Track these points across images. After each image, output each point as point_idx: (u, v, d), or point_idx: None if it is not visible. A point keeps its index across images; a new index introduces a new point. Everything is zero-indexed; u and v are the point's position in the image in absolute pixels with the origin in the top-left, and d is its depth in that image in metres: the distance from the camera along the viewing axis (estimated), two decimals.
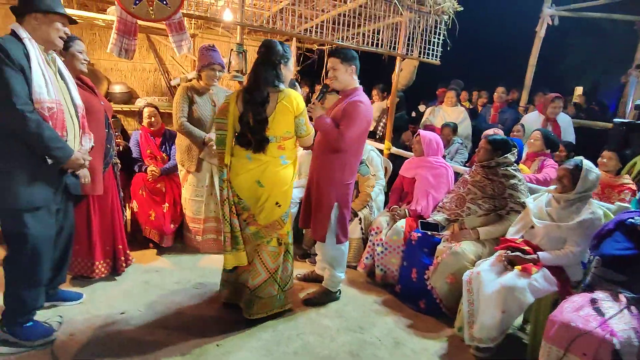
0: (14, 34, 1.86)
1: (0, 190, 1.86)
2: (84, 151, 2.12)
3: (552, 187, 2.50)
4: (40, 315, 2.16)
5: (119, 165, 2.88)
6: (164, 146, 3.55)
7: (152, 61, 6.00)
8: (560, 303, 1.97)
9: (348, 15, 4.07)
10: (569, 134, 4.15)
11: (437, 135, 3.28)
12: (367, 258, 3.14)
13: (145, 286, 2.74)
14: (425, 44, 4.30)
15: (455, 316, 2.50)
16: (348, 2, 3.85)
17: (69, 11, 4.05)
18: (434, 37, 4.29)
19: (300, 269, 3.22)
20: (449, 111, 4.81)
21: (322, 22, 4.20)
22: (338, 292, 2.81)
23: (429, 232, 2.79)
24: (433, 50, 4.33)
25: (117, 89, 5.24)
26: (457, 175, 3.32)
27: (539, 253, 2.28)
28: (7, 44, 1.77)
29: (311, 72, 7.17)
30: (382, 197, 3.66)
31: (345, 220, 2.61)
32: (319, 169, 2.54)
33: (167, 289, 2.72)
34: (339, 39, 4.44)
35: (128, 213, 3.31)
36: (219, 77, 3.17)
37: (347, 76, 2.49)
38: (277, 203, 2.29)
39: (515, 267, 2.24)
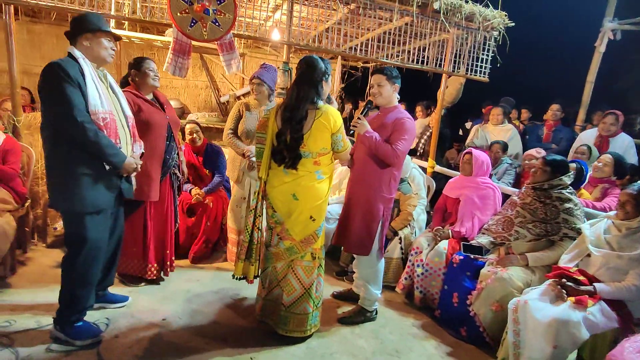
0: (70, 55, 2.06)
1: (67, 193, 2.03)
2: (136, 157, 2.29)
3: (612, 212, 2.31)
4: (89, 316, 2.29)
5: (178, 176, 2.99)
6: (207, 163, 3.67)
7: (204, 79, 6.34)
8: (621, 342, 1.78)
9: (393, 33, 4.07)
10: (630, 156, 3.82)
11: (487, 156, 3.15)
12: (405, 279, 3.04)
13: (187, 294, 2.83)
14: (473, 60, 4.20)
15: (499, 346, 2.35)
16: (394, 21, 3.85)
17: (132, 34, 4.41)
18: (483, 54, 4.18)
19: (337, 286, 3.18)
20: (495, 131, 4.58)
21: (368, 40, 4.24)
22: (374, 312, 2.74)
23: (472, 255, 2.66)
24: (481, 67, 4.22)
25: (170, 104, 5.56)
26: (504, 196, 3.16)
27: (596, 284, 2.10)
28: (65, 64, 1.97)
29: (355, 89, 7.23)
30: (424, 217, 3.56)
31: (384, 235, 2.59)
32: (364, 184, 2.52)
33: (206, 298, 2.80)
34: (384, 56, 4.44)
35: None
36: (260, 92, 3.14)
37: (391, 93, 2.52)
38: (311, 217, 2.29)
39: (568, 298, 2.07)
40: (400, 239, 3.19)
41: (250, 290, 2.92)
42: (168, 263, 2.95)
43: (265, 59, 6.68)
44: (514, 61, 4.60)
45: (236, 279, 2.46)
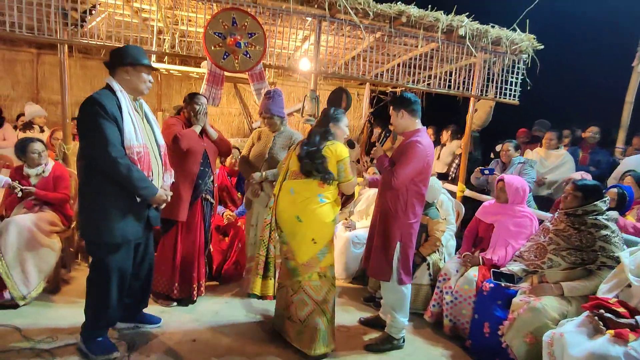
0: (108, 87, 2.14)
1: (96, 224, 2.11)
2: (166, 187, 2.37)
3: None
4: (122, 335, 2.42)
5: (211, 202, 3.08)
6: (239, 186, 3.82)
7: (237, 106, 6.64)
8: None
9: (420, 59, 4.13)
10: None
11: (523, 182, 3.05)
12: (434, 306, 2.97)
13: (216, 316, 2.89)
14: (502, 83, 4.17)
15: None
16: (419, 47, 3.92)
17: (171, 67, 4.72)
18: (512, 77, 4.15)
19: (365, 312, 3.15)
20: (551, 157, 4.35)
21: (394, 66, 4.32)
22: (401, 340, 2.68)
23: (503, 283, 2.57)
24: (511, 89, 4.17)
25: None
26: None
27: (638, 317, 1.97)
28: (103, 98, 2.04)
29: (385, 114, 7.28)
30: (453, 243, 3.49)
31: (408, 260, 2.56)
32: (382, 208, 2.56)
33: (235, 321, 2.85)
34: (411, 81, 4.49)
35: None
36: (272, 124, 3.15)
37: (400, 120, 2.57)
38: (313, 239, 2.40)
39: (607, 331, 1.96)
40: (428, 265, 3.14)
41: None
42: (195, 285, 3.00)
43: (295, 86, 6.93)
44: (546, 83, 4.51)
45: (254, 297, 2.60)
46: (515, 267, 2.65)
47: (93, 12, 3.45)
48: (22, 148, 3.01)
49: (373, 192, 3.84)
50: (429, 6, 3.62)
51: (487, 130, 5.43)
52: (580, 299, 2.35)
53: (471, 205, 4.03)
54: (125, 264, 2.25)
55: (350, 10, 3.42)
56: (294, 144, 2.87)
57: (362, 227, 3.76)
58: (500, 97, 4.19)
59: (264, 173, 3.05)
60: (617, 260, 2.26)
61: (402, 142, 2.59)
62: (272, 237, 2.53)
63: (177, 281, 2.93)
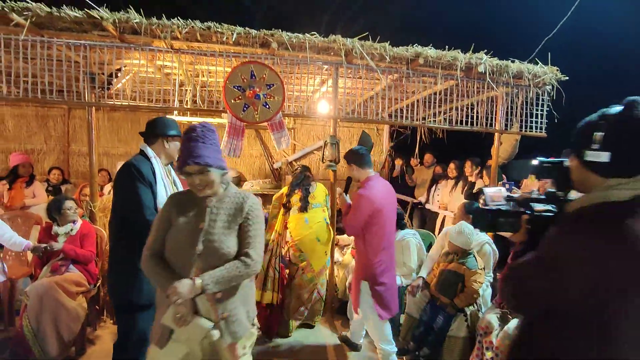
0: (142, 153, 2.22)
1: (126, 285, 2.13)
2: None
3: None
4: None
5: None
6: None
7: (258, 148, 6.71)
8: None
9: (439, 94, 4.08)
10: None
11: None
12: None
13: None
14: (527, 116, 4.05)
15: None
16: (438, 85, 3.88)
17: (192, 119, 4.84)
18: (537, 109, 4.03)
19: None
20: None
21: (413, 102, 4.28)
22: None
23: None
24: (536, 122, 4.05)
25: (230, 173, 5.89)
26: None
27: None
28: (139, 164, 2.13)
29: (405, 147, 7.24)
30: (489, 291, 3.30)
31: (382, 297, 2.73)
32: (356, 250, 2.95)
33: None
34: (431, 116, 4.42)
35: None
36: (205, 181, 1.73)
37: (354, 173, 2.87)
38: (325, 252, 3.51)
39: None
40: (465, 316, 2.94)
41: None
42: None
43: (314, 125, 6.99)
44: (574, 113, 4.36)
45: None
46: None
47: (119, 73, 3.60)
48: (57, 207, 3.07)
49: (397, 240, 3.71)
50: (446, 46, 3.60)
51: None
52: None
53: (501, 244, 3.83)
54: (150, 326, 2.21)
55: (366, 55, 3.44)
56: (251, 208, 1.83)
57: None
58: (525, 131, 4.06)
59: (198, 280, 1.61)
60: None
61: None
62: (271, 263, 3.38)
63: None
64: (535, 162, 1.41)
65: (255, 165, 6.83)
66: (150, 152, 2.24)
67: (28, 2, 2.91)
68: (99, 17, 2.99)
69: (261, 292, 3.28)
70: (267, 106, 3.43)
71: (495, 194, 1.46)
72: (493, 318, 2.76)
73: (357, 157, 2.83)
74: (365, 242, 2.74)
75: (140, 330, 2.16)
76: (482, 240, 3.24)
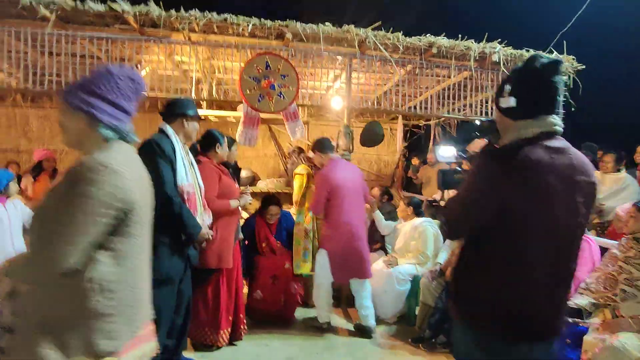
0: (162, 131, 2.27)
1: None
2: (206, 226, 2.41)
3: None
4: None
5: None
6: (278, 232, 3.67)
7: (272, 148, 6.78)
8: None
9: (453, 89, 4.09)
10: None
11: None
12: None
13: (257, 359, 2.77)
14: None
15: None
16: (452, 77, 3.89)
17: (209, 112, 4.94)
18: None
19: (414, 354, 2.94)
20: (608, 180, 3.98)
21: (427, 98, 4.29)
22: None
23: (570, 320, 2.31)
24: None
25: (243, 174, 5.93)
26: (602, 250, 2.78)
27: None
28: (161, 140, 2.19)
29: (419, 146, 7.23)
30: None
31: (334, 262, 3.19)
32: None
33: None
34: (445, 112, 4.42)
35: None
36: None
37: (316, 158, 3.30)
38: None
39: None
40: None
41: (320, 357, 2.79)
42: (242, 327, 2.98)
43: (328, 125, 7.03)
44: (592, 103, 4.30)
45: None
46: (582, 301, 2.38)
47: (138, 67, 3.72)
48: None
49: (409, 226, 3.69)
50: (459, 35, 3.61)
51: None
52: None
53: None
54: (168, 302, 2.24)
55: (380, 45, 3.47)
56: None
57: (406, 263, 3.58)
58: None
59: None
60: None
61: None
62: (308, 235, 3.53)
63: (222, 327, 2.85)
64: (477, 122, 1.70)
65: (270, 165, 6.89)
66: (170, 130, 2.28)
67: None
68: (120, 10, 3.11)
69: (302, 264, 3.44)
70: (282, 96, 3.49)
71: (444, 152, 1.71)
72: None
73: (317, 144, 3.28)
74: (326, 217, 3.21)
75: (157, 305, 2.18)
76: None
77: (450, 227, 1.43)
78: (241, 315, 2.96)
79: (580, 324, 2.30)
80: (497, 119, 1.40)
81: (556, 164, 1.22)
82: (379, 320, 3.45)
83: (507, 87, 1.32)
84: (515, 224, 1.24)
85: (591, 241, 2.71)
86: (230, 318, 2.90)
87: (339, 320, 3.53)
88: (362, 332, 3.22)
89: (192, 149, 2.83)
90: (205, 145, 2.81)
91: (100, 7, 3.10)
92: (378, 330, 3.33)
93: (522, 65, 1.32)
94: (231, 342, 2.93)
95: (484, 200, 1.27)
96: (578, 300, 2.41)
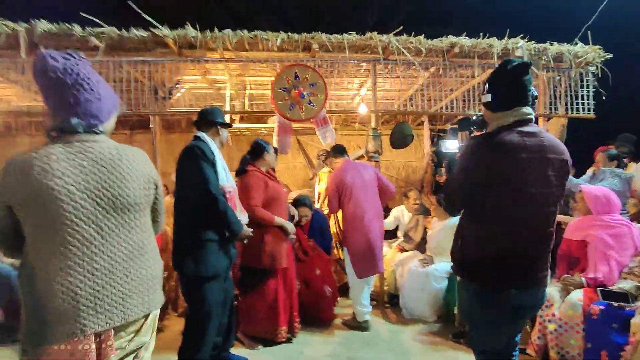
0: (198, 138, 2.42)
1: (194, 259, 2.28)
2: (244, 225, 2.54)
3: None
4: None
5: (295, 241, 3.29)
6: (311, 232, 3.81)
7: (301, 159, 6.96)
8: None
9: (477, 88, 4.13)
10: None
11: (605, 189, 2.82)
12: (539, 337, 2.67)
13: (299, 356, 2.86)
14: (572, 99, 3.99)
15: None
16: (476, 76, 3.94)
17: (241, 125, 5.19)
18: (582, 91, 3.96)
19: (455, 350, 2.94)
20: None
21: (452, 100, 4.35)
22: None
23: (616, 303, 2.27)
24: (583, 104, 3.96)
25: None
26: None
27: None
28: (202, 146, 2.34)
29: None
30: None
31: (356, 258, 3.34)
32: None
33: None
34: (473, 111, 4.44)
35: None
36: None
37: (332, 164, 3.70)
38: None
39: None
40: None
41: (362, 353, 2.84)
42: (296, 324, 3.11)
43: (354, 134, 7.17)
44: (624, 91, 4.21)
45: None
46: (627, 285, 2.35)
47: (177, 86, 4.01)
48: None
49: (443, 226, 3.71)
50: (480, 34, 3.68)
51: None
52: None
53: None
54: (218, 298, 2.38)
55: (403, 50, 3.59)
56: None
57: (442, 261, 3.60)
58: (572, 113, 3.98)
59: None
60: None
61: None
62: None
63: (281, 325, 2.98)
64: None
65: (300, 176, 7.06)
66: (206, 137, 2.44)
67: (103, 26, 3.37)
68: (161, 35, 3.39)
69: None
70: (312, 104, 3.65)
71: (449, 145, 2.09)
72: (553, 291, 2.68)
73: (332, 151, 3.65)
74: (343, 215, 3.45)
75: (209, 301, 2.32)
76: None
77: (448, 200, 1.78)
78: (295, 313, 3.09)
79: (627, 308, 2.26)
80: (483, 112, 1.71)
81: (527, 144, 1.52)
82: (419, 320, 3.48)
83: (486, 86, 1.65)
84: (496, 193, 1.54)
85: (632, 226, 2.67)
86: (287, 315, 3.03)
87: (377, 319, 3.57)
88: (356, 328, 3.36)
89: (243, 160, 3.05)
90: (254, 154, 3.02)
91: (143, 33, 3.39)
92: (418, 328, 3.35)
93: (497, 68, 1.64)
94: (288, 339, 3.05)
95: (473, 173, 1.57)
96: (623, 284, 2.38)
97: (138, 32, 3.41)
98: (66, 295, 1.18)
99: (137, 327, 1.33)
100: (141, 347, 1.36)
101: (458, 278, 1.77)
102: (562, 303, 2.58)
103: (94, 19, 3.38)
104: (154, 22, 3.38)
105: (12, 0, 5.02)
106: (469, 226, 1.66)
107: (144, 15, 3.37)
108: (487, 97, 1.62)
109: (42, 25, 3.25)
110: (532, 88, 1.59)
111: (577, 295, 2.53)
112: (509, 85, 1.57)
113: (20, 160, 1.19)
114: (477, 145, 1.59)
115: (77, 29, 3.29)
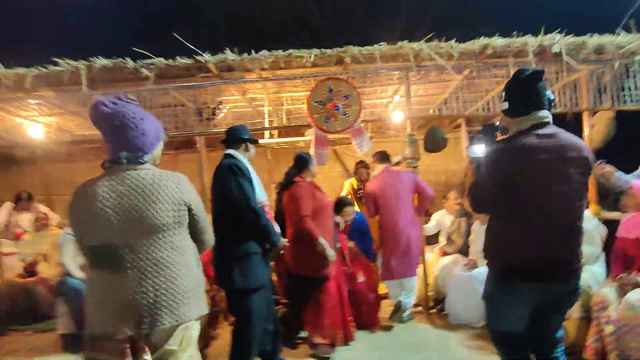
0: (230, 156, 2.53)
1: (240, 272, 2.38)
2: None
3: None
4: None
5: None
6: (350, 234, 3.91)
7: (338, 169, 7.06)
8: None
9: None
10: None
11: None
12: (596, 340, 2.57)
13: None
14: (618, 90, 3.82)
15: None
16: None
17: (280, 140, 5.38)
18: (628, 82, 3.79)
19: None
20: None
21: (487, 102, 4.30)
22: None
23: None
24: (630, 95, 3.79)
25: None
26: None
27: None
28: (237, 163, 2.45)
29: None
30: (602, 270, 3.08)
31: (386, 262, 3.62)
32: None
33: None
34: None
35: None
36: None
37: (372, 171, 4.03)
38: None
39: None
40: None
41: (409, 358, 2.86)
42: (349, 329, 3.19)
43: (390, 142, 7.18)
44: None
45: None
46: None
47: (219, 107, 4.25)
48: None
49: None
50: (515, 32, 3.62)
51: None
52: None
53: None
54: (263, 307, 2.49)
55: (435, 55, 3.61)
56: None
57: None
58: (619, 105, 3.81)
59: None
60: None
61: None
62: None
63: (338, 329, 3.10)
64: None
65: (337, 186, 7.15)
66: (237, 154, 2.56)
67: (152, 57, 3.67)
68: (203, 61, 3.64)
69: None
70: (346, 115, 3.76)
71: (476, 149, 2.06)
72: (609, 292, 2.59)
73: (374, 157, 3.88)
74: (378, 221, 3.71)
75: (255, 311, 2.43)
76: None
77: (474, 201, 1.88)
78: (349, 318, 3.18)
79: None
80: (503, 118, 1.87)
81: (546, 146, 1.65)
82: (466, 324, 3.43)
83: (503, 94, 1.82)
84: (520, 191, 1.67)
85: None
86: (344, 320, 3.14)
87: (423, 324, 3.56)
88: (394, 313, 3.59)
89: (289, 173, 3.21)
90: (299, 166, 3.18)
91: (187, 61, 3.65)
92: (465, 333, 3.31)
93: (511, 77, 1.79)
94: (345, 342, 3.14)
95: (496, 175, 1.71)
96: None
97: (182, 60, 3.68)
98: (105, 304, 1.45)
99: (167, 335, 1.46)
100: (170, 354, 1.49)
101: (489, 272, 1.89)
102: (619, 304, 2.47)
103: (144, 52, 3.68)
104: (197, 50, 3.64)
105: (73, 41, 5.54)
106: (497, 225, 1.80)
107: (188, 45, 3.63)
108: (505, 105, 1.77)
109: (100, 62, 3.58)
110: (548, 92, 1.72)
111: (635, 296, 2.42)
112: (524, 92, 1.70)
113: (80, 186, 1.50)
114: (498, 149, 1.74)
115: (129, 62, 3.61)
